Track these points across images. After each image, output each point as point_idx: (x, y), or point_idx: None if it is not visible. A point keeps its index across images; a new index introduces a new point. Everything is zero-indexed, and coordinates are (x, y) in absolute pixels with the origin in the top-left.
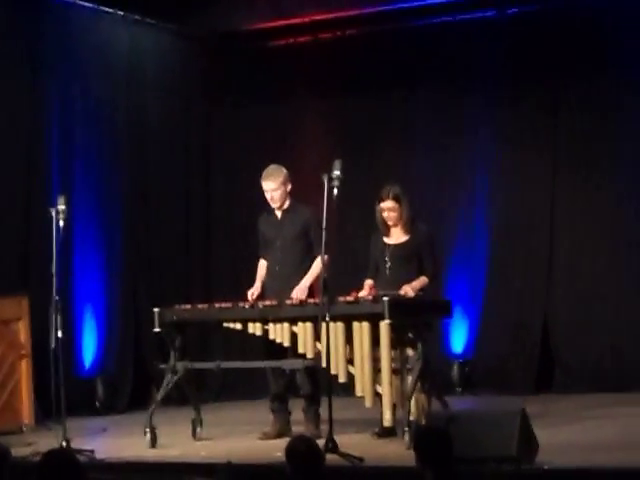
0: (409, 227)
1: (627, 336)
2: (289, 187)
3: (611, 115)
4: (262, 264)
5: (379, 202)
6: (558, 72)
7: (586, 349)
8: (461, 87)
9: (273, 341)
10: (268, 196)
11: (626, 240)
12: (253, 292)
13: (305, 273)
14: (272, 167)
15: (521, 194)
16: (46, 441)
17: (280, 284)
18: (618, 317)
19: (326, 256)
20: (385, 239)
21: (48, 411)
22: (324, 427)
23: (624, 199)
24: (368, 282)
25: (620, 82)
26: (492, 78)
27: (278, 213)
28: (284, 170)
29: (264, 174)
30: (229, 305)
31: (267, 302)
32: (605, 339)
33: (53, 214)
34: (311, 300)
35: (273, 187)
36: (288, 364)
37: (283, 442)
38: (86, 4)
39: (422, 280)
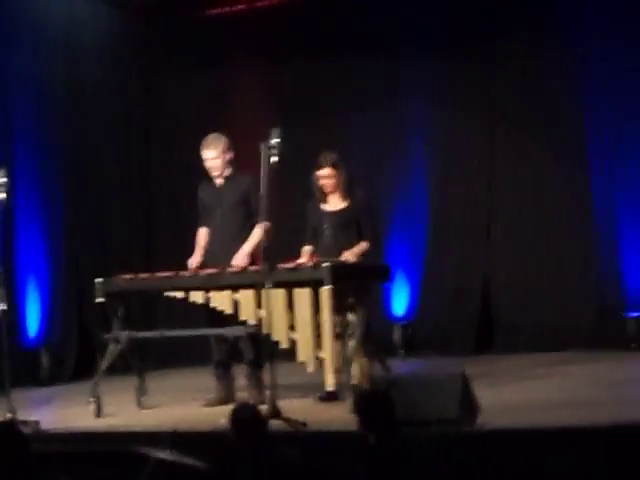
0: (347, 193)
1: (564, 297)
2: (229, 156)
3: (546, 70)
4: (202, 232)
5: (316, 169)
6: (494, 26)
7: (525, 310)
8: (395, 48)
9: (215, 309)
10: (208, 164)
11: (564, 202)
12: (194, 260)
13: (245, 241)
14: (212, 136)
15: (459, 156)
16: None
17: (221, 252)
18: (555, 278)
19: (267, 223)
20: (323, 206)
21: None
22: (267, 393)
23: (561, 159)
24: (306, 249)
25: (554, 36)
26: (427, 36)
27: (218, 181)
28: (224, 138)
29: (203, 143)
30: (171, 274)
31: (208, 270)
32: (543, 300)
33: None
34: (252, 267)
35: (213, 155)
36: (230, 331)
37: (227, 409)
38: None
39: (362, 246)
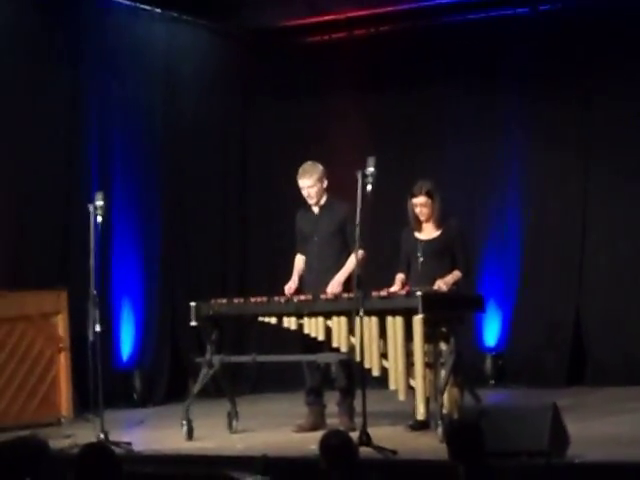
0: (441, 222)
1: None
2: (325, 183)
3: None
4: (299, 259)
5: (411, 197)
6: (590, 68)
7: (618, 343)
8: (494, 84)
9: (309, 335)
10: (305, 193)
11: None
12: (290, 286)
13: (341, 268)
14: (308, 164)
15: (554, 190)
16: (84, 433)
17: (317, 279)
18: None
19: (361, 251)
20: (417, 234)
21: (86, 404)
22: (358, 420)
23: None
24: (399, 277)
25: None
26: (525, 74)
27: (315, 209)
28: (320, 167)
29: (300, 171)
30: (264, 299)
31: (302, 297)
32: (636, 333)
33: (91, 210)
34: (345, 295)
35: (309, 184)
36: (322, 358)
37: (318, 435)
38: (124, 2)
39: (455, 275)
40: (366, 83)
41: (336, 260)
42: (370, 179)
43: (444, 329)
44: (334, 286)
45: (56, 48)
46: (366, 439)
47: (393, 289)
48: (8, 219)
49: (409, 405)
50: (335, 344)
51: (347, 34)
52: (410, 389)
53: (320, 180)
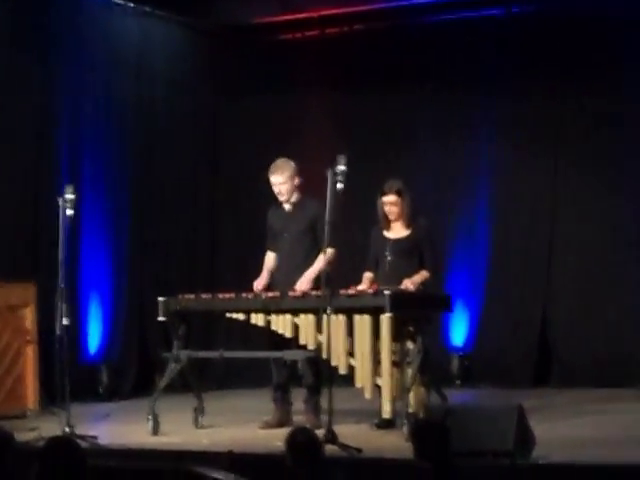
0: (410, 222)
1: (625, 331)
2: (297, 181)
3: (614, 110)
4: (269, 256)
5: (381, 196)
6: (560, 68)
7: (584, 344)
8: (464, 84)
9: (275, 332)
10: (276, 190)
11: (626, 236)
12: (259, 282)
13: (311, 266)
14: (280, 161)
15: (522, 191)
16: (50, 426)
17: (287, 276)
18: (616, 313)
19: (331, 250)
20: (386, 233)
21: (53, 397)
22: (324, 417)
23: (626, 196)
24: (367, 275)
25: (623, 76)
26: (495, 75)
27: (286, 206)
28: (292, 164)
29: (272, 168)
30: (232, 296)
31: (270, 293)
32: (603, 334)
33: (61, 203)
34: (313, 292)
35: (281, 181)
36: (289, 355)
37: (284, 432)
38: None
39: (423, 274)
40: (339, 81)
41: (306, 258)
42: (340, 177)
43: (411, 328)
44: (303, 283)
45: (28, 41)
46: (332, 437)
47: (361, 287)
48: None
49: (375, 403)
50: (302, 341)
51: (320, 32)
52: (376, 387)
53: (291, 177)
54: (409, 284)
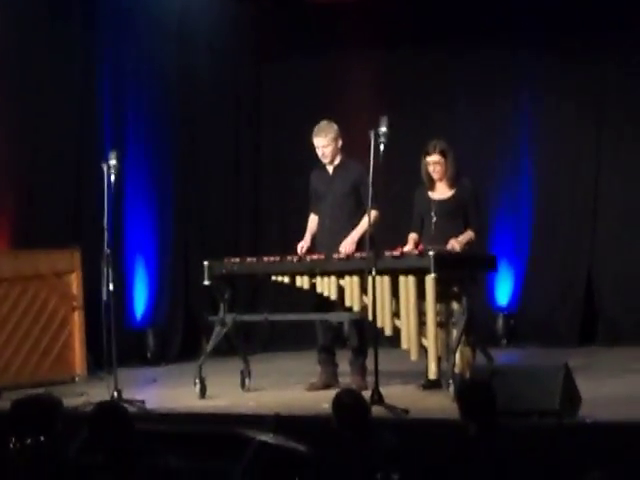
0: (454, 182)
1: None
2: (340, 143)
3: None
4: (312, 218)
5: (425, 156)
6: (605, 31)
7: (630, 302)
8: (509, 43)
9: (321, 294)
10: (319, 152)
11: None
12: (302, 245)
13: (355, 228)
14: (323, 123)
15: (566, 148)
16: (98, 391)
17: (330, 238)
18: None
19: (374, 211)
20: (430, 194)
21: (100, 362)
22: (370, 379)
23: None
24: (412, 236)
25: None
26: (537, 29)
27: (329, 168)
28: (335, 126)
29: (315, 130)
30: (277, 258)
31: (314, 256)
32: None
33: (105, 169)
34: (358, 254)
35: (324, 143)
36: (335, 317)
37: (330, 393)
38: None
39: (468, 234)
40: (379, 42)
41: (349, 220)
42: (383, 138)
43: (456, 289)
44: (347, 245)
45: (69, 10)
46: (378, 398)
47: (406, 249)
48: (21, 178)
49: (421, 364)
50: (348, 303)
51: None
52: (422, 348)
53: (335, 139)
54: (455, 244)
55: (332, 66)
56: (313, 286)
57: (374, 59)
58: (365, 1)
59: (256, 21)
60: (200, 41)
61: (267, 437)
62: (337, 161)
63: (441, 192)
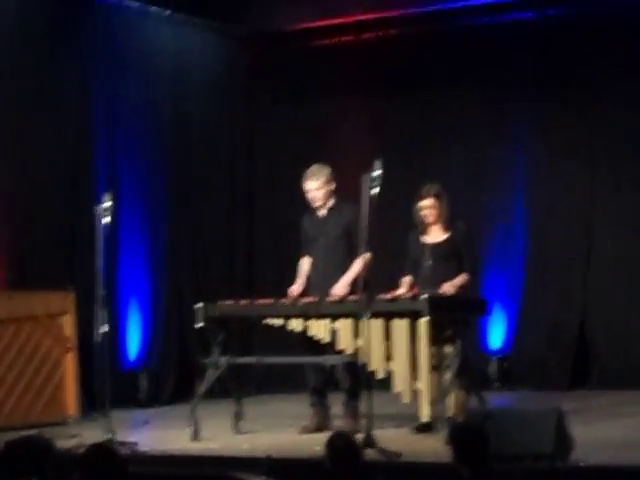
0: (448, 225)
1: None
2: (333, 186)
3: None
4: (305, 262)
5: (418, 200)
6: (598, 74)
7: (622, 346)
8: (500, 88)
9: (313, 337)
10: (310, 195)
11: None
12: (295, 289)
13: (347, 271)
14: (314, 167)
15: (559, 192)
16: (90, 433)
17: (323, 282)
18: None
19: (367, 254)
20: (423, 238)
21: (93, 403)
22: (363, 422)
23: None
24: (406, 279)
25: None
26: (531, 79)
27: (322, 212)
28: (327, 169)
29: (306, 174)
30: (271, 301)
31: (308, 299)
32: None
33: (98, 211)
34: (351, 297)
35: (315, 187)
36: (328, 360)
37: (322, 436)
38: (132, 3)
39: (462, 278)
40: (374, 87)
41: (342, 263)
42: (376, 182)
43: (449, 332)
44: (340, 288)
45: (64, 47)
46: (371, 441)
47: (400, 292)
48: (16, 220)
49: (414, 408)
50: (341, 346)
51: (355, 37)
52: (415, 392)
53: (327, 183)
54: (449, 288)
55: (327, 109)
56: (306, 329)
57: (369, 104)
58: (361, 47)
59: (251, 62)
60: (194, 84)
61: None
62: (330, 204)
63: (435, 235)
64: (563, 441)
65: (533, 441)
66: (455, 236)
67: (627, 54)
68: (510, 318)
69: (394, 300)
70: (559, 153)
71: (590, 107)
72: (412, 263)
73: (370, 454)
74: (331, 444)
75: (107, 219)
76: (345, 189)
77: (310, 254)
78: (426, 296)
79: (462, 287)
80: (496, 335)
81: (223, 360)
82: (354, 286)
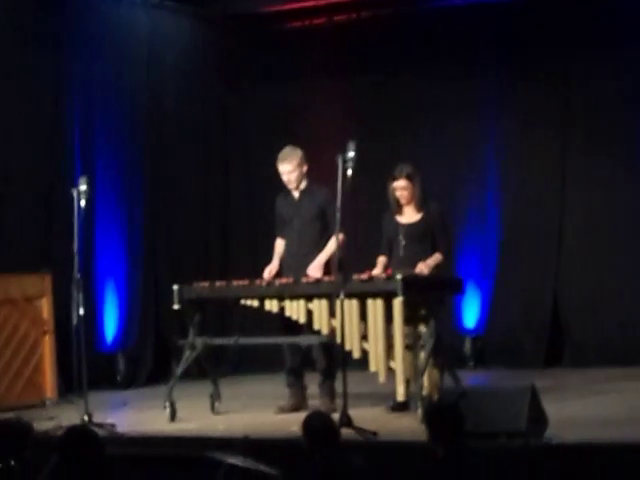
0: (421, 205)
1: (636, 311)
2: (305, 168)
3: (618, 89)
4: (279, 243)
5: (392, 181)
6: (567, 51)
7: (595, 324)
8: (471, 68)
9: (289, 317)
10: (285, 178)
11: (636, 217)
12: (270, 270)
13: (321, 252)
14: (287, 149)
15: (532, 170)
16: (68, 415)
17: (297, 263)
18: (627, 292)
19: (341, 235)
20: (398, 218)
21: (70, 386)
22: (339, 401)
23: (635, 176)
24: (381, 259)
25: (628, 56)
26: (501, 58)
27: (295, 194)
28: (299, 151)
29: (280, 156)
30: (246, 282)
31: (283, 280)
32: (614, 314)
33: (75, 194)
34: (326, 278)
35: (289, 169)
36: (304, 340)
37: (299, 416)
38: None
39: (436, 257)
40: (346, 68)
41: (316, 244)
42: (350, 163)
43: (424, 311)
44: (315, 269)
45: (39, 32)
46: (347, 420)
47: (375, 272)
48: None
49: (389, 387)
50: (316, 326)
51: (327, 20)
52: (390, 371)
53: (300, 165)
54: (424, 268)
55: (300, 92)
56: (282, 310)
57: (341, 85)
58: (332, 28)
59: (224, 45)
60: (168, 68)
61: (236, 460)
62: (303, 186)
63: (409, 216)
64: (537, 419)
65: (507, 419)
66: (428, 216)
67: (596, 30)
68: (484, 297)
69: (369, 280)
70: (530, 129)
71: (560, 83)
72: (387, 243)
73: (346, 433)
74: (308, 424)
75: (83, 202)
76: (319, 171)
77: (284, 235)
78: (400, 276)
79: (436, 267)
80: (470, 314)
81: (200, 341)
82: (329, 266)
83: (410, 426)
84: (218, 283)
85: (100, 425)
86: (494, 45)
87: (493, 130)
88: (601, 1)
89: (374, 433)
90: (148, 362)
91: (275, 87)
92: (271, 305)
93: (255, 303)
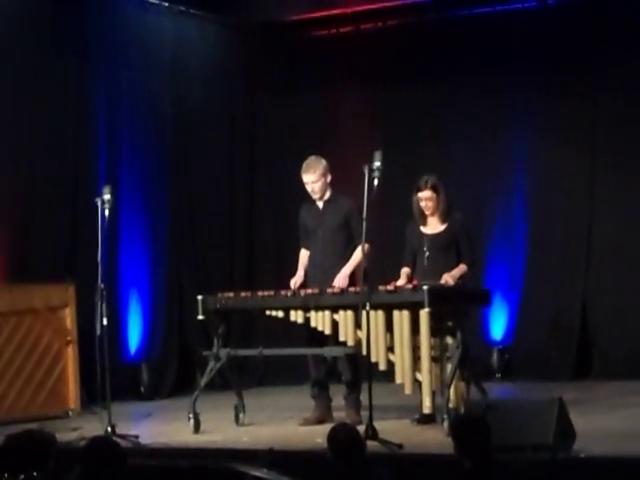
0: (446, 216)
1: None
2: (329, 178)
3: None
4: (304, 253)
5: (417, 192)
6: (599, 64)
7: (624, 336)
8: (501, 77)
9: (315, 328)
10: (309, 188)
11: None
12: (296, 281)
13: (346, 262)
14: (311, 159)
15: (560, 181)
16: (91, 426)
17: (322, 273)
18: None
19: (367, 245)
20: (422, 229)
21: (94, 396)
22: (364, 413)
23: None
24: (405, 270)
25: None
26: (532, 68)
27: (319, 204)
28: (323, 161)
29: (304, 167)
30: (271, 293)
31: (309, 290)
32: None
33: (99, 204)
34: (352, 289)
35: (313, 179)
36: (329, 351)
37: (324, 428)
38: None
39: (461, 268)
40: (373, 78)
41: (340, 254)
42: (376, 173)
43: (450, 323)
44: (340, 280)
45: (64, 41)
46: (372, 433)
47: (399, 283)
48: (16, 213)
49: (415, 399)
50: (342, 338)
51: (354, 28)
52: (416, 383)
53: (324, 175)
54: (449, 278)
55: (325, 100)
56: (307, 320)
57: (370, 94)
58: (363, 36)
59: (249, 54)
60: (193, 76)
61: (261, 472)
62: (327, 196)
63: (433, 227)
64: (564, 432)
65: (534, 432)
66: (453, 227)
67: (627, 41)
68: (511, 309)
69: (395, 291)
70: (559, 141)
71: (591, 96)
72: (411, 254)
73: (372, 446)
74: (333, 436)
75: (107, 211)
76: (346, 181)
77: (309, 245)
78: (427, 287)
79: (461, 278)
80: (497, 326)
81: (224, 352)
82: (354, 277)
83: (436, 439)
84: (243, 293)
85: (123, 436)
86: (523, 55)
87: (522, 142)
88: (632, 17)
89: (400, 446)
90: (172, 373)
91: (301, 96)
92: (296, 316)
93: (280, 314)
